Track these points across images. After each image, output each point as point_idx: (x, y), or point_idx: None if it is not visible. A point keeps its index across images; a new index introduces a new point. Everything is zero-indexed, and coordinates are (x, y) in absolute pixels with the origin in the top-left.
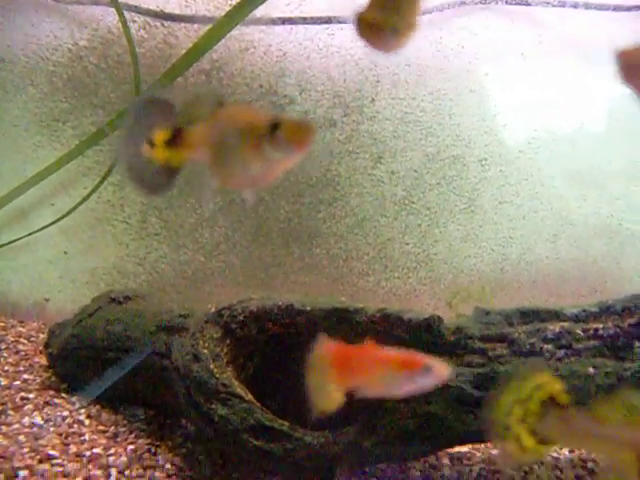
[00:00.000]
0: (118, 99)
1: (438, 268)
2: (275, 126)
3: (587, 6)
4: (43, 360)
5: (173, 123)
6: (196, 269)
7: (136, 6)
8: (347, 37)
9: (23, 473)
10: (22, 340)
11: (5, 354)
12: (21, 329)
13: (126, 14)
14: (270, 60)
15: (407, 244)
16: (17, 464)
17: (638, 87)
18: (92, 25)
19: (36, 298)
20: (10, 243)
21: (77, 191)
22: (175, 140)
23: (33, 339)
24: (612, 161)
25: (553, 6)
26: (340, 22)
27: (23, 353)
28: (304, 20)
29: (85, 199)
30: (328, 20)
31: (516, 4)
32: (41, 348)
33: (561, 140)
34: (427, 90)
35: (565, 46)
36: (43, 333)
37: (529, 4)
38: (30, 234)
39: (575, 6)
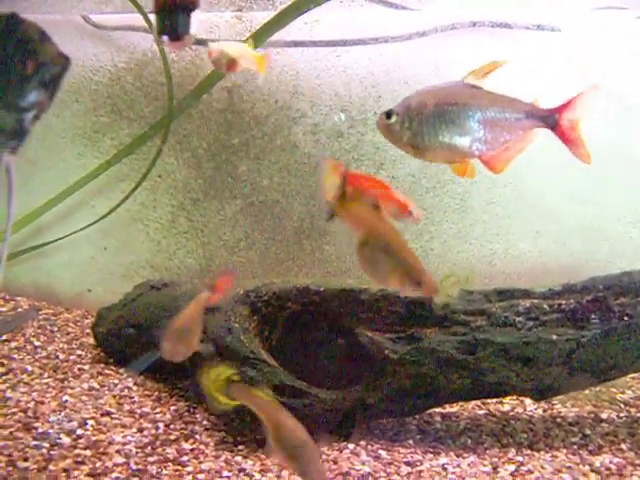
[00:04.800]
0: (151, 114)
1: (434, 262)
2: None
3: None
4: (91, 340)
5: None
6: (220, 263)
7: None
8: (352, 58)
9: (91, 422)
10: (70, 324)
11: (58, 335)
12: (68, 315)
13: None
14: (284, 79)
15: (406, 240)
16: (85, 415)
17: None
18: (129, 49)
19: (79, 289)
20: (56, 241)
21: (115, 194)
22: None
23: (79, 323)
24: (586, 168)
25: (531, 29)
26: (346, 45)
27: (73, 334)
28: (314, 43)
29: (122, 202)
30: (335, 43)
31: (500, 27)
32: (87, 330)
33: (541, 148)
34: None
35: (542, 63)
36: (87, 318)
37: (511, 27)
38: (74, 233)
39: (552, 29)
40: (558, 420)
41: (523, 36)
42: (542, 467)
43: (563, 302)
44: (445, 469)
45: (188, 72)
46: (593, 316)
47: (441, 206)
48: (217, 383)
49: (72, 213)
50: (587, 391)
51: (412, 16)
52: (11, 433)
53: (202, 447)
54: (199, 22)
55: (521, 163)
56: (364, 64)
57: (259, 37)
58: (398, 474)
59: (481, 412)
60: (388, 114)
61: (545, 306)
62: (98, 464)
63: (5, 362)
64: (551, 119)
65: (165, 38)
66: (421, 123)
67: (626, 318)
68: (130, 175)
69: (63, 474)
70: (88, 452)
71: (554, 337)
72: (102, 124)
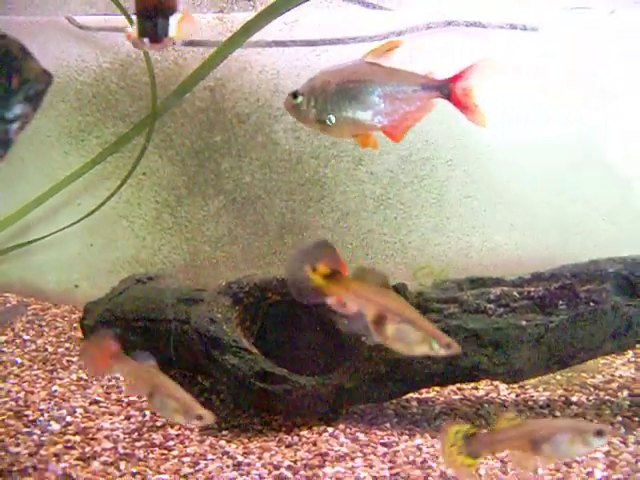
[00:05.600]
0: (135, 113)
1: (412, 255)
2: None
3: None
4: (78, 333)
5: (334, 263)
6: (203, 258)
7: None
8: (331, 57)
9: (79, 410)
10: (58, 319)
11: (46, 329)
12: (56, 310)
13: None
14: (265, 78)
15: (385, 234)
16: (74, 404)
17: None
18: (113, 50)
19: (67, 285)
20: (43, 238)
21: (100, 192)
22: (330, 276)
23: (67, 318)
24: (557, 161)
25: (504, 28)
26: (325, 44)
27: (61, 328)
28: (294, 43)
29: (108, 199)
30: (314, 43)
31: (474, 26)
32: (75, 325)
33: (515, 144)
34: None
35: (516, 63)
36: (74, 313)
37: (485, 26)
38: (60, 230)
39: (524, 28)
40: (530, 403)
41: (496, 35)
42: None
43: (532, 289)
44: (420, 449)
45: (171, 72)
46: (561, 302)
47: (419, 200)
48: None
49: (59, 211)
50: (559, 376)
51: (389, 16)
52: (3, 421)
53: (187, 433)
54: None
55: (497, 158)
56: (342, 62)
57: (239, 37)
58: (375, 454)
59: (456, 397)
60: (294, 95)
61: (515, 293)
62: (87, 449)
63: None
64: (445, 88)
65: (146, 40)
66: (325, 101)
67: (592, 304)
68: (115, 173)
69: (54, 458)
70: (77, 438)
71: (523, 323)
72: (87, 123)
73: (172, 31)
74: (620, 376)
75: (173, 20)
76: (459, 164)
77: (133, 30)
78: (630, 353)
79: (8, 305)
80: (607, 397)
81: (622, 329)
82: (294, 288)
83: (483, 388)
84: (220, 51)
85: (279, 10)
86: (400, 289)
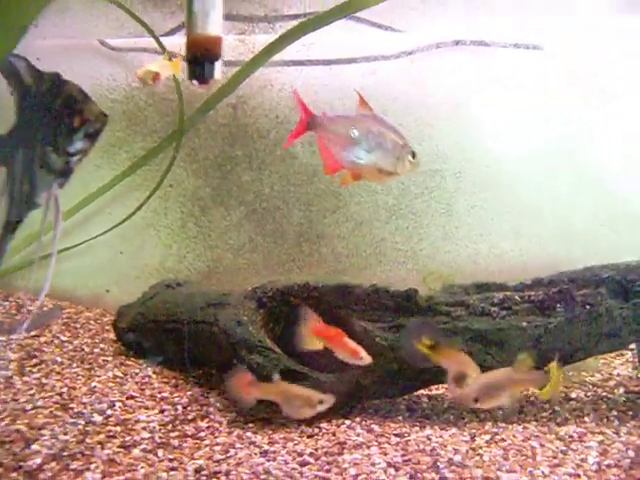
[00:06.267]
0: (162, 128)
1: (422, 262)
2: None
3: (536, 47)
4: (111, 335)
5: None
6: (226, 265)
7: (177, 54)
8: (346, 76)
9: (118, 404)
10: (91, 322)
11: (81, 331)
12: (88, 314)
13: None
14: (284, 95)
15: (397, 242)
16: (112, 398)
17: None
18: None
19: (98, 290)
20: (77, 246)
21: (129, 202)
22: (432, 347)
23: (99, 321)
24: (559, 174)
25: (507, 47)
26: (340, 64)
27: (94, 330)
28: (311, 62)
29: (137, 209)
30: (330, 62)
31: (479, 45)
32: (107, 327)
33: (519, 156)
34: (411, 117)
35: (520, 79)
36: (106, 316)
37: (489, 45)
38: (92, 238)
39: (527, 47)
40: (531, 399)
41: (500, 53)
42: (514, 436)
43: (532, 294)
44: (429, 439)
45: (196, 90)
46: (559, 305)
47: (429, 210)
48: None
49: (91, 220)
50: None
51: (400, 37)
52: (51, 412)
53: (216, 425)
54: None
55: (503, 170)
56: (357, 81)
57: (261, 58)
58: (388, 443)
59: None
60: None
61: (517, 297)
62: (127, 438)
63: (37, 354)
64: None
65: (195, 82)
66: None
67: (588, 307)
68: (143, 185)
69: (98, 446)
70: (118, 428)
71: (524, 324)
72: (118, 138)
73: (217, 74)
74: (618, 375)
75: (217, 65)
76: (467, 176)
77: (141, 71)
78: (629, 354)
79: (45, 309)
80: (604, 394)
81: (615, 330)
82: (408, 355)
83: None
84: (243, 71)
85: (299, 33)
86: (411, 294)
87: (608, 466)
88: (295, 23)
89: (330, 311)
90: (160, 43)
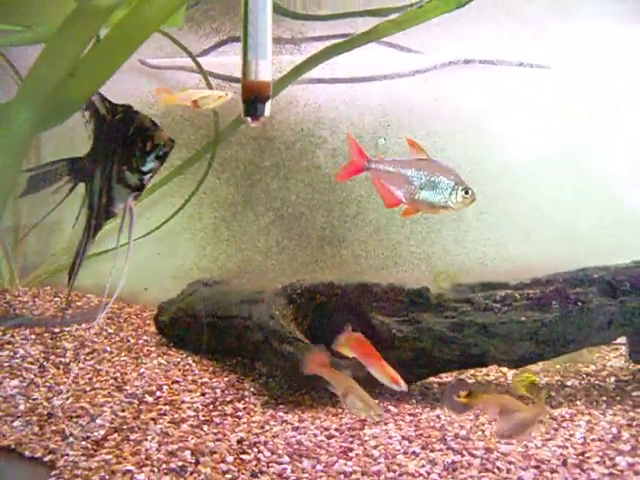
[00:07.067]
0: (197, 141)
1: (435, 264)
2: None
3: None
4: (152, 328)
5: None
6: (255, 266)
7: (211, 72)
8: (366, 93)
9: (165, 387)
10: (132, 316)
11: (124, 324)
12: (129, 309)
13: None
14: (308, 110)
15: (412, 246)
16: (160, 382)
17: None
18: (179, 86)
19: (138, 288)
20: (120, 247)
21: (166, 208)
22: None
23: (140, 316)
24: (564, 181)
25: (512, 65)
26: (361, 82)
27: (136, 324)
28: (334, 80)
29: (174, 215)
30: (351, 80)
31: (487, 63)
32: (148, 321)
33: (526, 166)
34: (425, 130)
35: (526, 93)
36: (146, 312)
37: (495, 64)
38: (133, 240)
39: (531, 66)
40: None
41: (507, 71)
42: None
43: (531, 292)
44: (439, 417)
45: (229, 105)
46: (554, 302)
47: (441, 216)
48: None
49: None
50: (558, 365)
51: (415, 57)
52: (109, 393)
53: (251, 406)
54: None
55: (510, 178)
56: (375, 97)
57: (289, 77)
58: (403, 421)
59: (470, 381)
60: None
61: (517, 295)
62: (176, 415)
63: (89, 344)
64: None
65: (248, 119)
66: None
67: (580, 303)
68: (179, 192)
69: (152, 421)
70: (167, 407)
71: (523, 318)
72: None
73: (267, 112)
74: (611, 366)
75: (267, 104)
76: (476, 184)
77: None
78: (622, 348)
79: (91, 304)
80: (597, 382)
81: (605, 324)
82: (449, 405)
83: (493, 375)
84: (273, 89)
85: (325, 56)
86: (424, 292)
87: (592, 440)
88: (318, 45)
89: (351, 307)
90: (197, 63)
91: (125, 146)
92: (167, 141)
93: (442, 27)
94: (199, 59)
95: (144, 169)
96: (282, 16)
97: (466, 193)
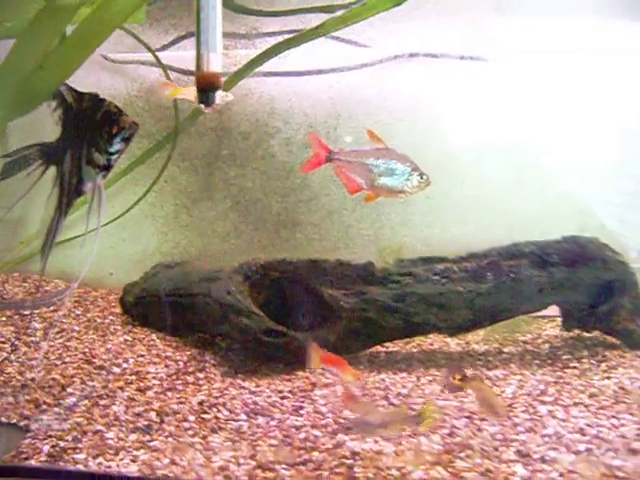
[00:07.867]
0: (157, 132)
1: (384, 244)
2: None
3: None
4: (117, 310)
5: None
6: (214, 250)
7: (170, 66)
8: (316, 85)
9: (131, 360)
10: (99, 299)
11: (91, 307)
12: (95, 293)
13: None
14: (263, 102)
15: (362, 229)
16: (126, 356)
17: None
18: (139, 80)
19: (103, 273)
20: (84, 235)
21: (129, 196)
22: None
23: (105, 298)
24: (504, 169)
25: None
26: (311, 74)
27: (102, 306)
28: (286, 73)
29: (136, 203)
30: (303, 73)
31: (430, 57)
32: (113, 303)
33: (467, 154)
34: (372, 120)
35: (469, 85)
36: (111, 295)
37: (438, 57)
38: (97, 228)
39: (479, 59)
40: (471, 353)
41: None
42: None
43: (468, 264)
44: (384, 380)
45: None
46: (489, 274)
47: (389, 200)
48: None
49: (95, 212)
50: (497, 335)
51: (363, 51)
52: (79, 365)
53: (212, 375)
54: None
55: (452, 165)
56: (326, 89)
57: (243, 71)
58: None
59: (415, 350)
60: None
61: (455, 268)
62: (141, 384)
63: (58, 324)
64: None
65: (202, 106)
66: None
67: (512, 275)
68: (141, 180)
69: (119, 389)
70: (133, 377)
71: (460, 289)
72: None
73: (217, 100)
74: (546, 335)
75: (218, 93)
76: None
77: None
78: (559, 319)
79: (59, 288)
80: (531, 348)
81: (535, 294)
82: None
83: (437, 344)
84: (228, 81)
85: (277, 51)
86: (369, 266)
87: (521, 394)
88: (271, 40)
89: (303, 282)
90: (157, 57)
91: (94, 129)
92: (132, 124)
93: (388, 22)
94: (159, 54)
95: (111, 150)
96: (237, 13)
97: (421, 178)
